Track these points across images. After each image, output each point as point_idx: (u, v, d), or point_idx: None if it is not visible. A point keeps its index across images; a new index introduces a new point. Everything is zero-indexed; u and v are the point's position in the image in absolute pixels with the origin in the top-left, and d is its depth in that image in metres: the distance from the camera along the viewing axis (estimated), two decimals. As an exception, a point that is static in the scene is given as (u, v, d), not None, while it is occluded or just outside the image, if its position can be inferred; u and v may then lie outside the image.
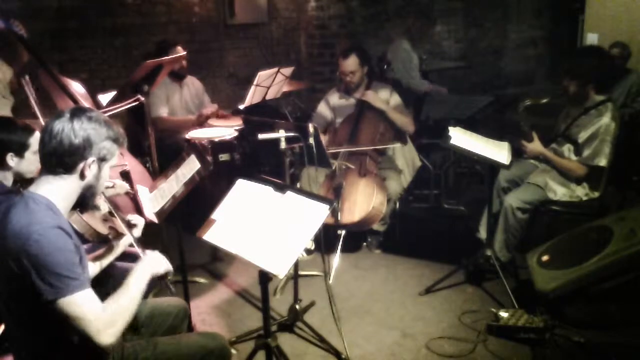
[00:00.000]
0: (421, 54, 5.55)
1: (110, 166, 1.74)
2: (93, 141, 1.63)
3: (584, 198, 3.20)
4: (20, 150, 2.30)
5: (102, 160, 1.68)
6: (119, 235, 2.07)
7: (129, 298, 1.65)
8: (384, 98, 3.84)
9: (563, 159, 3.25)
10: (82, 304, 1.52)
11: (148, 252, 1.89)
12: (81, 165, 1.64)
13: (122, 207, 2.83)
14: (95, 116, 1.67)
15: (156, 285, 2.04)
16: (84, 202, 1.72)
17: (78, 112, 1.65)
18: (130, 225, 2.07)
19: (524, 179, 3.38)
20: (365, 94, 3.77)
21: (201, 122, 4.14)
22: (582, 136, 3.15)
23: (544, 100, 3.20)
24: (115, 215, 2.03)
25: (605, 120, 3.08)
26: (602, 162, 3.09)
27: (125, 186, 2.51)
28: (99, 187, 1.73)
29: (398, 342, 2.80)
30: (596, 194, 3.21)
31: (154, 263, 1.83)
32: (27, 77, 3.06)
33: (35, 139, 2.29)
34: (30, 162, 2.32)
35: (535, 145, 3.26)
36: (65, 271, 1.50)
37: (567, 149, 3.28)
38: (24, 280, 1.50)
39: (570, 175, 3.20)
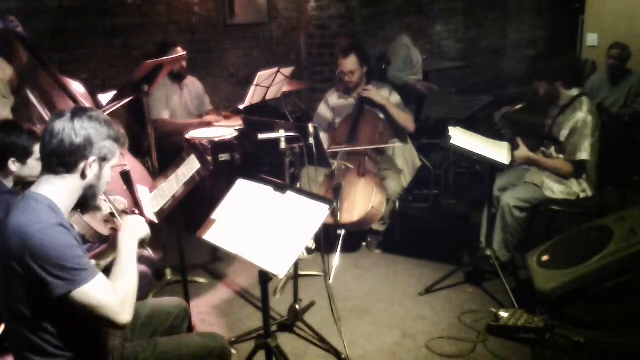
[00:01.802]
0: (422, 53, 5.56)
1: (112, 166, 1.74)
2: (94, 140, 1.64)
3: (581, 195, 3.21)
4: (23, 156, 2.28)
5: (103, 159, 1.68)
6: None
7: (128, 272, 1.66)
8: (384, 96, 3.84)
9: (549, 160, 3.27)
10: (96, 292, 1.53)
11: (125, 218, 1.89)
12: (82, 164, 1.64)
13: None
14: (96, 115, 1.67)
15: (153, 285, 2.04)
16: (85, 203, 1.72)
17: (79, 111, 1.66)
18: None
19: (518, 185, 3.38)
20: (366, 88, 3.77)
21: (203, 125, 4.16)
22: (563, 134, 3.19)
23: (519, 106, 3.22)
24: (117, 216, 2.03)
25: (581, 115, 3.11)
26: (584, 155, 3.11)
27: (124, 202, 2.45)
28: (100, 187, 1.73)
29: (398, 342, 2.80)
30: (590, 190, 3.22)
31: (135, 228, 1.82)
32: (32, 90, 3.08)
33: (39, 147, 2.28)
34: (32, 169, 2.29)
35: (521, 151, 3.25)
36: (72, 264, 1.51)
37: (554, 149, 3.30)
38: (30, 280, 1.51)
39: (560, 175, 3.21)
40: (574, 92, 3.22)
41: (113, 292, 1.57)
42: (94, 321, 1.57)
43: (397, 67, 5.07)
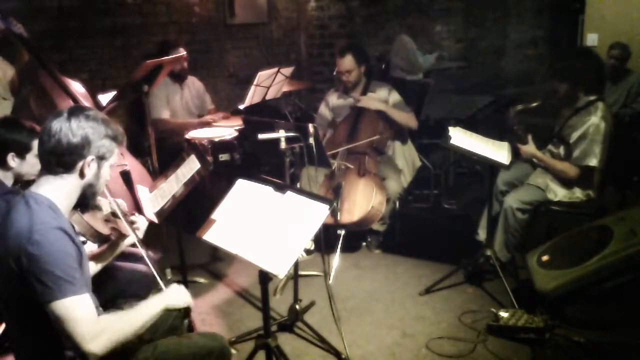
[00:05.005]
0: (423, 52, 5.57)
1: (110, 165, 1.74)
2: (91, 139, 1.63)
3: (584, 198, 3.20)
4: (22, 151, 2.29)
5: (101, 158, 1.68)
6: (121, 236, 2.07)
7: (131, 320, 1.63)
8: (382, 97, 3.83)
9: (555, 161, 3.23)
10: (74, 308, 1.50)
11: (172, 285, 1.86)
12: (80, 164, 1.64)
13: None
14: (93, 115, 1.67)
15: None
16: (84, 202, 1.72)
17: (76, 110, 1.66)
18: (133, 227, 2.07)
19: (523, 180, 3.37)
20: (360, 99, 3.74)
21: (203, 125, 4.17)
22: (573, 136, 3.13)
23: (535, 104, 3.20)
24: (119, 216, 2.02)
25: (595, 120, 3.05)
26: (592, 162, 3.07)
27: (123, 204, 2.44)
28: (99, 186, 1.73)
29: (398, 342, 2.80)
30: (594, 194, 3.21)
31: (174, 296, 1.80)
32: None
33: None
34: (31, 165, 2.30)
35: (529, 148, 3.24)
36: (61, 273, 1.49)
37: (562, 150, 3.28)
38: (24, 280, 1.50)
39: (564, 178, 3.18)
40: (592, 96, 3.15)
41: (93, 317, 1.53)
42: (64, 336, 1.51)
43: (397, 65, 5.09)
